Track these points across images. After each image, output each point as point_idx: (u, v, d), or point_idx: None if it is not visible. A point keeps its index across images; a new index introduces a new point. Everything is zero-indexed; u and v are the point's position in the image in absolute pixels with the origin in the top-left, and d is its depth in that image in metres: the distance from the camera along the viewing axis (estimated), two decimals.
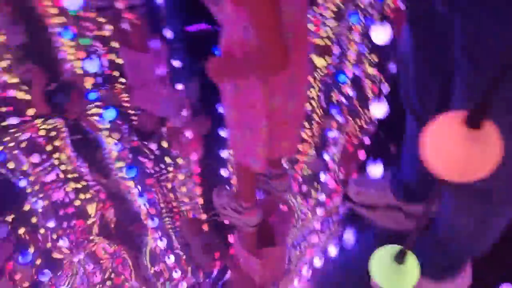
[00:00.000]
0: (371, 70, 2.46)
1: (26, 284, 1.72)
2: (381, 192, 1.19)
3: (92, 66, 1.04)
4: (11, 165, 2.14)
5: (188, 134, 2.20)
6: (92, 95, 2.09)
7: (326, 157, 1.95)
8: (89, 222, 2.02)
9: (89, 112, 2.34)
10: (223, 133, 2.12)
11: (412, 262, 0.44)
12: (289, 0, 1.01)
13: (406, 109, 1.02)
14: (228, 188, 1.66)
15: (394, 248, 0.43)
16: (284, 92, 1.16)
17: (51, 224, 1.94)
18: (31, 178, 2.16)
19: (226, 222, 1.75)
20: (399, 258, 0.42)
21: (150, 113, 2.18)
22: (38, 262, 1.82)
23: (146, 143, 2.25)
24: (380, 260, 0.44)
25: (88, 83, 2.25)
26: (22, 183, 2.02)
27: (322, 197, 1.85)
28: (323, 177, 1.83)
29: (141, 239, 1.99)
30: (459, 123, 0.33)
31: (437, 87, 0.91)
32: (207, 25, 2.56)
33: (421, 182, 1.09)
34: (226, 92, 1.22)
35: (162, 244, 1.68)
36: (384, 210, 1.19)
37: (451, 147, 0.33)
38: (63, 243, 1.89)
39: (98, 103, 2.20)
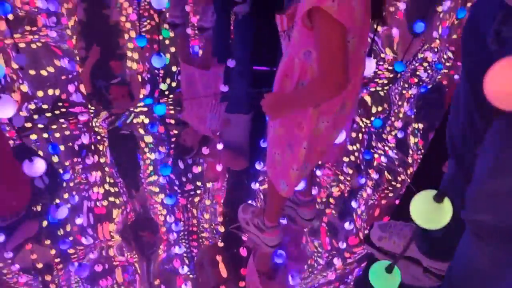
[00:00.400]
0: (413, 140, 2.46)
1: (40, 265, 1.76)
2: (404, 241, 1.16)
3: (159, 62, 1.12)
4: (55, 159, 2.24)
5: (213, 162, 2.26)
6: (148, 100, 2.18)
7: (354, 204, 1.92)
8: (111, 224, 2.06)
9: (136, 120, 2.45)
10: (258, 166, 2.15)
11: (447, 203, 0.51)
12: (355, 32, 1.07)
13: (451, 156, 1.03)
14: (254, 205, 1.68)
15: (432, 191, 0.52)
16: (331, 119, 1.19)
17: (78, 220, 1.99)
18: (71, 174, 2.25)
19: (245, 238, 1.74)
20: (439, 198, 0.49)
21: (194, 130, 2.28)
22: (53, 252, 1.86)
23: (181, 160, 2.32)
24: (420, 201, 0.50)
25: (141, 92, 2.40)
26: (66, 176, 2.11)
27: (343, 246, 1.81)
28: (347, 226, 1.80)
29: (153, 250, 2.00)
30: None
31: (484, 131, 0.91)
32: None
33: (447, 236, 1.06)
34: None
35: (175, 253, 1.69)
36: (404, 261, 1.15)
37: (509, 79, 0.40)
38: (85, 240, 1.93)
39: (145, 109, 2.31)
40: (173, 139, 2.46)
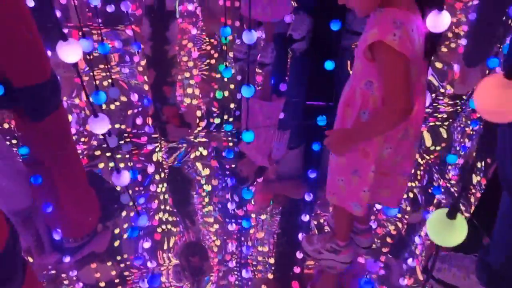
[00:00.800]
0: (476, 178, 2.36)
1: (103, 284, 1.86)
2: (464, 273, 1.11)
3: (249, 92, 1.23)
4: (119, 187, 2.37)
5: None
6: (228, 127, 2.32)
7: (412, 243, 1.86)
8: (168, 250, 2.12)
9: (192, 155, 2.55)
10: (307, 197, 2.16)
11: (461, 220, 0.50)
12: (416, 61, 1.11)
13: (504, 187, 0.99)
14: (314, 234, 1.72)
15: (446, 209, 0.52)
16: (394, 145, 1.21)
17: (146, 244, 2.08)
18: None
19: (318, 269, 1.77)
20: (451, 214, 0.49)
21: (251, 160, 2.35)
22: (114, 273, 1.94)
23: (236, 192, 2.37)
24: (435, 218, 0.51)
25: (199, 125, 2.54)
26: (141, 200, 2.26)
27: (404, 282, 1.74)
28: (408, 262, 1.75)
29: (201, 277, 2.03)
30: (501, 76, 0.43)
31: None
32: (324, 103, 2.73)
33: (506, 267, 1.00)
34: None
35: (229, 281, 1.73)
36: None
37: (493, 93, 0.43)
38: (138, 262, 2.00)
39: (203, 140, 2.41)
40: (228, 172, 2.53)
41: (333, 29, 1.96)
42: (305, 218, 2.12)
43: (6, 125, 2.58)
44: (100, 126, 1.08)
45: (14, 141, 2.46)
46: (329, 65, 2.21)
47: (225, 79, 3.01)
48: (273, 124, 2.46)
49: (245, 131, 1.38)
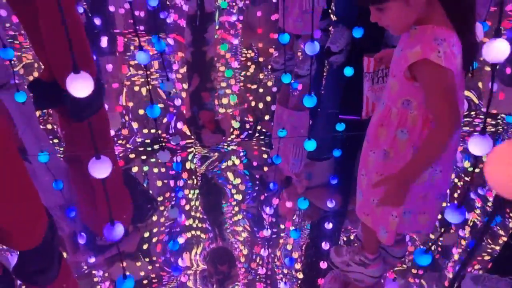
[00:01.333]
0: None
1: None
2: None
3: (311, 102, 1.25)
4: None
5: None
6: (283, 133, 2.44)
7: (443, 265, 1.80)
8: (193, 254, 2.15)
9: (224, 165, 2.57)
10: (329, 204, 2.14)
11: None
12: (457, 75, 1.10)
13: None
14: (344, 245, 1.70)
15: None
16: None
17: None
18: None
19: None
20: None
21: (279, 168, 2.36)
22: (143, 273, 1.97)
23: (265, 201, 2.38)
24: None
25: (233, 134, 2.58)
26: (180, 193, 2.33)
27: None
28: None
29: (230, 285, 2.03)
30: None
31: None
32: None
33: None
34: (372, 157, 1.29)
35: None
36: None
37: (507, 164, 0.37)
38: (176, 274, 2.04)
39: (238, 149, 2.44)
40: (257, 182, 2.54)
41: (356, 36, 1.97)
42: (329, 226, 2.12)
43: (49, 126, 2.70)
44: (100, 170, 0.96)
45: (56, 140, 2.57)
46: (348, 71, 2.21)
47: (260, 90, 3.04)
48: (300, 134, 2.47)
49: (307, 140, 1.39)
